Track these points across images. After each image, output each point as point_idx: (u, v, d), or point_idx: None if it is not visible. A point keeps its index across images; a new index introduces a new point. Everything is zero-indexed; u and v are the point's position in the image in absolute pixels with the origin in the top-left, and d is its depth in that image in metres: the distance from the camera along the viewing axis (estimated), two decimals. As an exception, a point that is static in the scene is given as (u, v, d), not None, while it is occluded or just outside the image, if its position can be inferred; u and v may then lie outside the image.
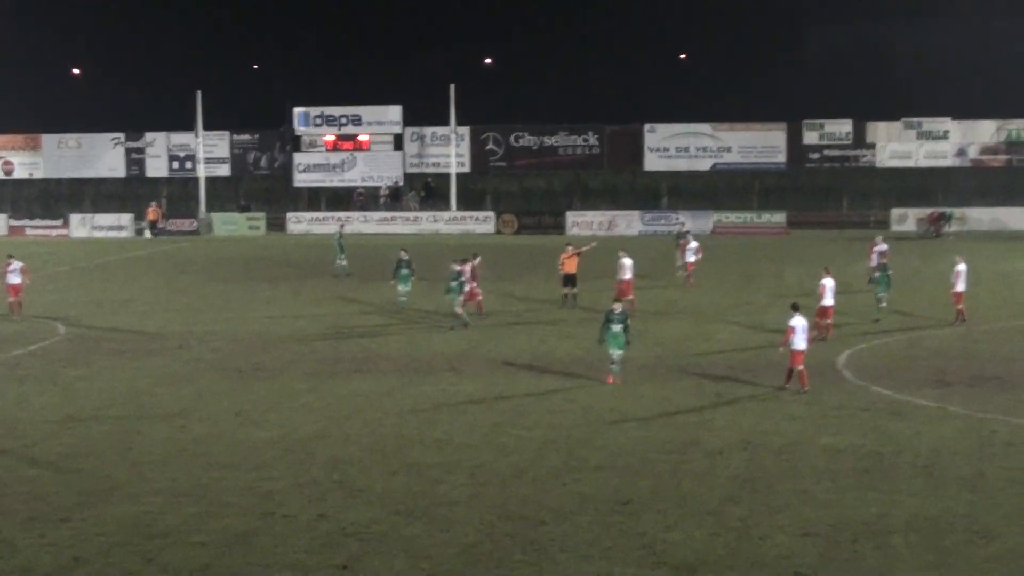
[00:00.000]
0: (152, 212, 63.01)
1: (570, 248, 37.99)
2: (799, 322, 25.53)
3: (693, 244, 41.91)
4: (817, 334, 30.27)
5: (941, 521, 17.48)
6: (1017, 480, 19.44)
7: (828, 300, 31.83)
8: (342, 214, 61.47)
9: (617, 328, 26.24)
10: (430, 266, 41.83)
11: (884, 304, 34.76)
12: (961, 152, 61.86)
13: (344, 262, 43.49)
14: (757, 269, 48.73)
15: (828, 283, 31.99)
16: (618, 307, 27.24)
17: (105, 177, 68.02)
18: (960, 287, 33.70)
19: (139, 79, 79.99)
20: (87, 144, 67.77)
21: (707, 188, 65.08)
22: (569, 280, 37.01)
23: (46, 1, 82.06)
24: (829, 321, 31.74)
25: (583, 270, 38.69)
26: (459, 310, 33.62)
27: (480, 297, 35.86)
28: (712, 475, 20.07)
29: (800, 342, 25.48)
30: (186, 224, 63.60)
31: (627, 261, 36.52)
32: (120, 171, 67.69)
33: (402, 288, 36.97)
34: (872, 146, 62.49)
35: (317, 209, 65.31)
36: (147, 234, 62.76)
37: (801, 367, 25.40)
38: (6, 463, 21.20)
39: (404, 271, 37.04)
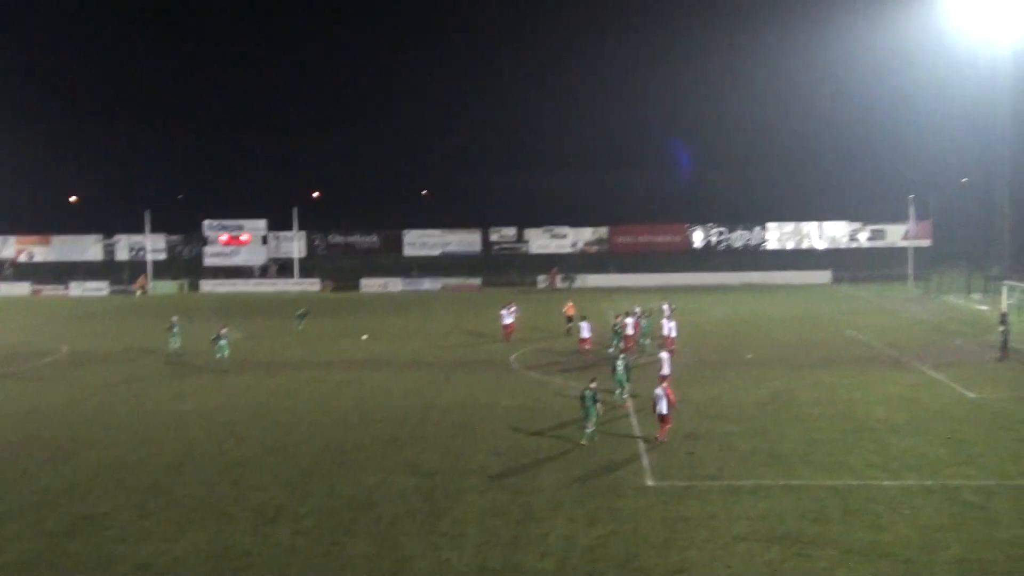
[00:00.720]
0: (141, 281, 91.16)
1: (570, 302, 57.07)
2: (659, 392, 29.65)
3: (513, 308, 54.04)
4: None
5: (564, 443, 31.74)
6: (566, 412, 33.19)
7: (585, 333, 46.71)
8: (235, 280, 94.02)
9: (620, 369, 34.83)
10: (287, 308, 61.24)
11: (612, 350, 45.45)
12: (574, 244, 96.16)
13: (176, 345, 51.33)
14: (470, 307, 65.20)
15: (584, 325, 47.09)
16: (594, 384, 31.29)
17: (90, 260, 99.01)
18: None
19: (110, 202, 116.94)
20: (79, 241, 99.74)
21: (440, 264, 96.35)
22: (569, 319, 53.86)
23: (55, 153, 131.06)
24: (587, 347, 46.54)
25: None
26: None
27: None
28: (443, 423, 32.52)
29: (662, 406, 29.46)
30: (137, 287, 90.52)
31: (584, 325, 48.31)
32: (99, 256, 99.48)
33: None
34: (527, 241, 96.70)
35: (218, 278, 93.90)
36: (138, 294, 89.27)
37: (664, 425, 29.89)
38: (32, 428, 32.65)
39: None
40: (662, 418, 29.64)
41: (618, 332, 46.14)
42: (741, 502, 23.39)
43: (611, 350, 44.75)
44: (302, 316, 58.73)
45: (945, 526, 21.66)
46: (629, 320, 46.42)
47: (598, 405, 30.10)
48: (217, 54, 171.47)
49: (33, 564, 20.13)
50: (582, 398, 30.22)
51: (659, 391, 29.76)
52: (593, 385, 30.35)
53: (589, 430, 29.80)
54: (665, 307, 51.36)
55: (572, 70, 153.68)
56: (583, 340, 47.04)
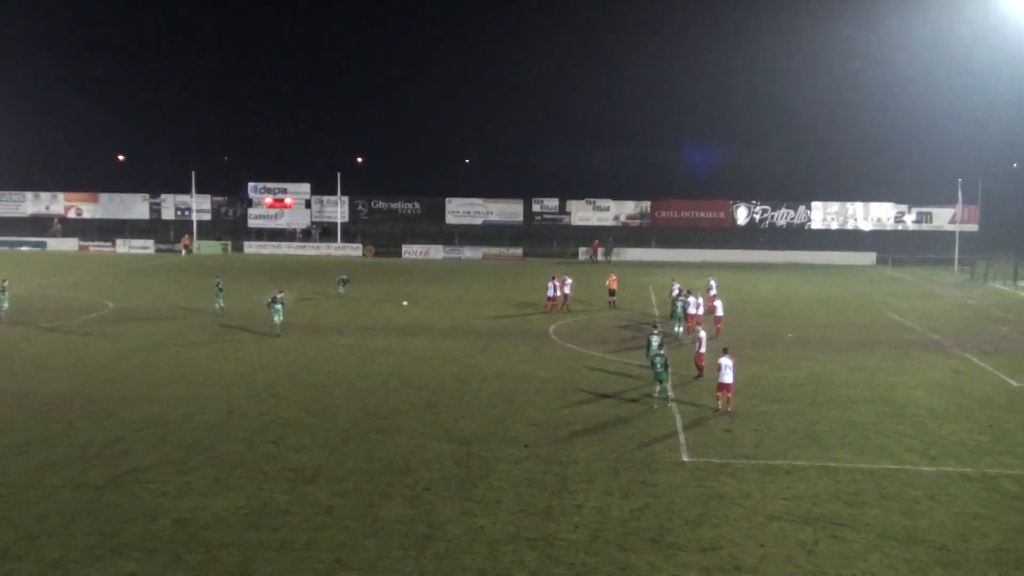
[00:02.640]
0: (186, 240, 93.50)
1: (613, 275, 56.85)
2: (726, 361, 30.14)
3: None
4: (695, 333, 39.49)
5: (601, 416, 31.85)
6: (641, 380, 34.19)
7: (692, 309, 44.06)
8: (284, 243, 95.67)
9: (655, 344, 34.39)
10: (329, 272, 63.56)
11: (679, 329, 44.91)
12: (616, 217, 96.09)
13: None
14: (511, 277, 67.79)
15: (692, 300, 44.74)
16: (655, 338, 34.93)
17: (137, 218, 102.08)
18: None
19: (157, 162, 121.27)
20: (126, 199, 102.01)
21: (482, 233, 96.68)
22: (612, 292, 54.34)
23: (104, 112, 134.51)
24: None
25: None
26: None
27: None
28: (480, 392, 32.76)
29: (727, 376, 29.97)
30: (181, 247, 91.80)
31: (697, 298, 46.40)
32: (145, 215, 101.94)
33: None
34: (569, 213, 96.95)
35: (261, 240, 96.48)
36: (183, 253, 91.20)
37: (728, 394, 30.18)
38: (77, 382, 33.18)
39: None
40: (723, 387, 30.01)
41: (679, 308, 45.23)
42: (776, 482, 23.27)
43: (678, 329, 44.37)
44: (343, 282, 59.23)
45: (982, 515, 21.41)
46: (692, 299, 45.24)
47: (668, 370, 32.17)
48: (265, 19, 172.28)
49: (75, 516, 20.46)
50: (652, 363, 31.90)
51: (725, 360, 30.12)
52: (656, 333, 33.46)
53: (659, 394, 31.34)
54: (712, 283, 51.04)
55: (619, 43, 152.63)
56: (691, 317, 44.07)
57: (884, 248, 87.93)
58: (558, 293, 52.56)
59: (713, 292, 49.14)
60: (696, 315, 44.09)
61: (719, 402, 30.19)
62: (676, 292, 48.01)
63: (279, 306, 43.67)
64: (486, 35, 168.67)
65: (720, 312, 45.04)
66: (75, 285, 62.49)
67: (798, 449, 26.13)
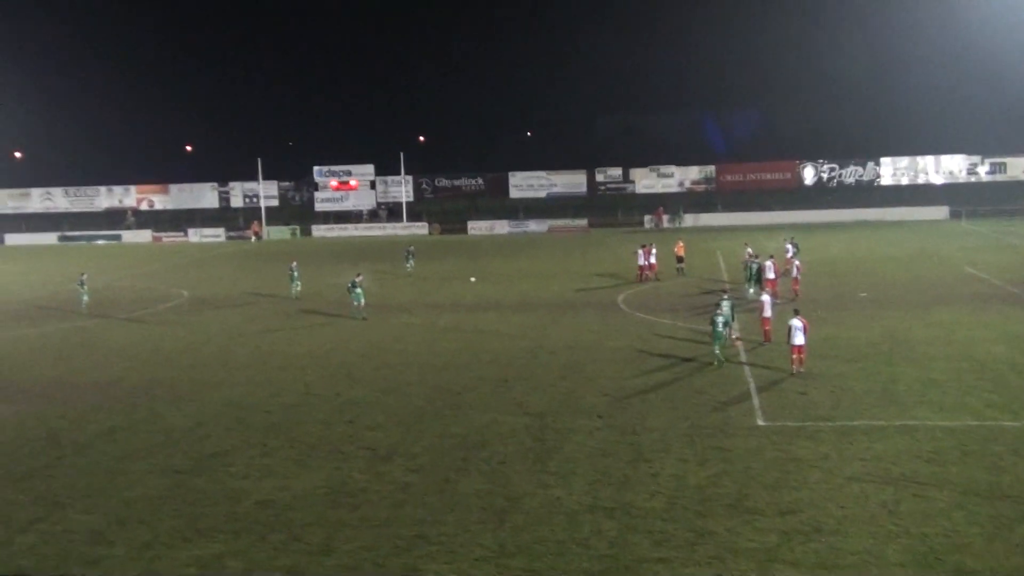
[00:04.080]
0: (255, 227, 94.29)
1: (680, 242, 56.19)
2: (796, 323, 29.87)
3: (788, 247, 50.51)
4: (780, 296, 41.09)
5: (673, 384, 31.42)
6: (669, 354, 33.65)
7: (770, 274, 43.31)
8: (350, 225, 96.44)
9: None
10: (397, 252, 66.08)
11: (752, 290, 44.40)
12: (681, 184, 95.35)
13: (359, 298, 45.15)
14: (577, 248, 68.49)
15: (769, 264, 43.93)
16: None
17: (207, 207, 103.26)
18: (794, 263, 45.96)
19: (224, 151, 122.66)
20: (195, 189, 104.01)
21: (546, 206, 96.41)
22: (680, 260, 53.99)
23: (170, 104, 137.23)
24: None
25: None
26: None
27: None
28: (551, 364, 32.78)
29: (798, 339, 29.70)
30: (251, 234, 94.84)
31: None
32: (215, 204, 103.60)
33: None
34: (633, 182, 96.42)
35: (329, 223, 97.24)
36: (253, 240, 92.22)
37: (799, 356, 29.84)
38: (156, 371, 33.95)
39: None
40: (796, 348, 29.72)
41: (751, 271, 44.79)
42: (854, 443, 22.94)
43: (751, 291, 43.92)
44: (409, 255, 59.43)
45: (1069, 468, 20.98)
46: (770, 262, 44.53)
47: (727, 329, 32.60)
48: (325, 3, 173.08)
49: (162, 500, 20.95)
50: (712, 322, 31.99)
51: (796, 321, 29.84)
52: (726, 299, 33.87)
53: (717, 351, 31.52)
54: (789, 246, 50.25)
55: (678, 6, 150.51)
56: (770, 281, 43.41)
57: (957, 201, 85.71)
58: (649, 260, 52.26)
59: (790, 254, 48.42)
60: (774, 279, 43.63)
61: (793, 365, 29.85)
62: (748, 255, 47.52)
63: (359, 290, 43.58)
64: (543, 5, 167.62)
65: (796, 274, 44.48)
66: (150, 276, 63.76)
67: (876, 409, 25.73)
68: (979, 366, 30.06)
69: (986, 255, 57.40)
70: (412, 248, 61.28)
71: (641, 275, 51.67)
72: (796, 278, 44.27)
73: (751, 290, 44.08)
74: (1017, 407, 25.46)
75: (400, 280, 55.95)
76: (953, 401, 26.26)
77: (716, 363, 31.47)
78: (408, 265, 58.59)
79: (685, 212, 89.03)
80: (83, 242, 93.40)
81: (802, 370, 29.65)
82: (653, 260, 52.37)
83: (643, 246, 53.25)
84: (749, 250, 48.87)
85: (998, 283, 46.43)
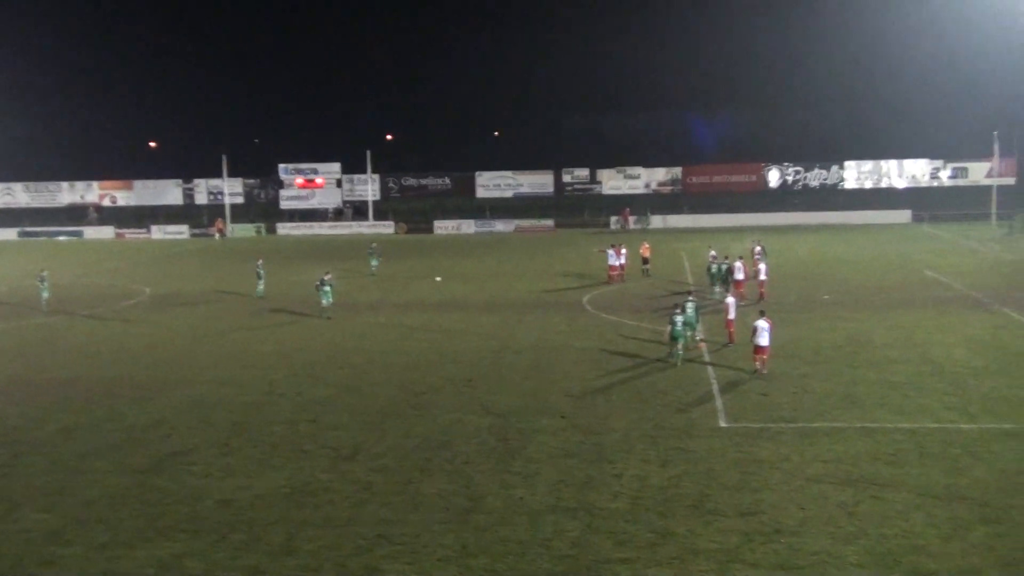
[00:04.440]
0: (220, 224, 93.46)
1: (646, 243, 56.27)
2: (762, 324, 30.22)
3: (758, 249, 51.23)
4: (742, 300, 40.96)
5: (637, 384, 31.33)
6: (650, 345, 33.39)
7: (739, 275, 43.71)
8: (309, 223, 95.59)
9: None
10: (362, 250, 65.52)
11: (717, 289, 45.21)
12: (647, 185, 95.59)
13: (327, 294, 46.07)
14: (543, 248, 68.97)
15: (738, 264, 44.27)
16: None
17: (171, 204, 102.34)
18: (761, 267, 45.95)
19: (188, 147, 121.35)
20: (159, 186, 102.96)
21: (512, 206, 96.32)
22: (645, 261, 54.13)
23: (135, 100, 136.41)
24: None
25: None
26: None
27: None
28: (516, 364, 32.76)
29: (763, 339, 29.99)
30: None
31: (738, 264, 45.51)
32: (179, 201, 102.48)
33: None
34: (599, 182, 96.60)
35: (295, 221, 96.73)
36: (217, 237, 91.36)
37: (763, 357, 30.15)
38: (118, 368, 33.65)
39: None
40: (759, 349, 30.05)
41: (715, 273, 45.42)
42: (815, 444, 23.15)
43: (716, 292, 44.32)
44: (374, 253, 59.28)
45: (1025, 470, 21.32)
46: (739, 263, 44.84)
47: (688, 329, 32.91)
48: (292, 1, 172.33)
49: (121, 499, 20.77)
50: (671, 322, 32.21)
51: (761, 322, 30.16)
52: (690, 300, 34.38)
53: (678, 351, 32.13)
54: (757, 248, 50.58)
55: (644, 6, 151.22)
56: (738, 283, 43.84)
57: (920, 205, 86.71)
58: (621, 261, 52.31)
59: (758, 256, 48.78)
60: (742, 280, 44.03)
61: (756, 364, 30.17)
62: (712, 258, 47.98)
63: (327, 288, 43.28)
64: (511, 6, 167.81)
65: (764, 276, 44.84)
66: (113, 272, 63.25)
67: (837, 411, 25.99)
68: (938, 369, 30.43)
69: (947, 259, 58.09)
70: (375, 246, 61.32)
71: (612, 275, 51.90)
72: (763, 280, 44.63)
73: (716, 291, 44.46)
74: (974, 410, 25.81)
75: (365, 279, 55.74)
76: (912, 403, 26.54)
77: (676, 362, 31.73)
78: (372, 264, 58.54)
79: (652, 213, 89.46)
80: (44, 238, 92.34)
81: (764, 371, 29.92)
82: (624, 260, 52.53)
83: (612, 246, 53.37)
84: (712, 252, 49.31)
85: (958, 287, 46.98)
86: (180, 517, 19.63)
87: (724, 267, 44.99)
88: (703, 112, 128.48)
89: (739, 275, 44.04)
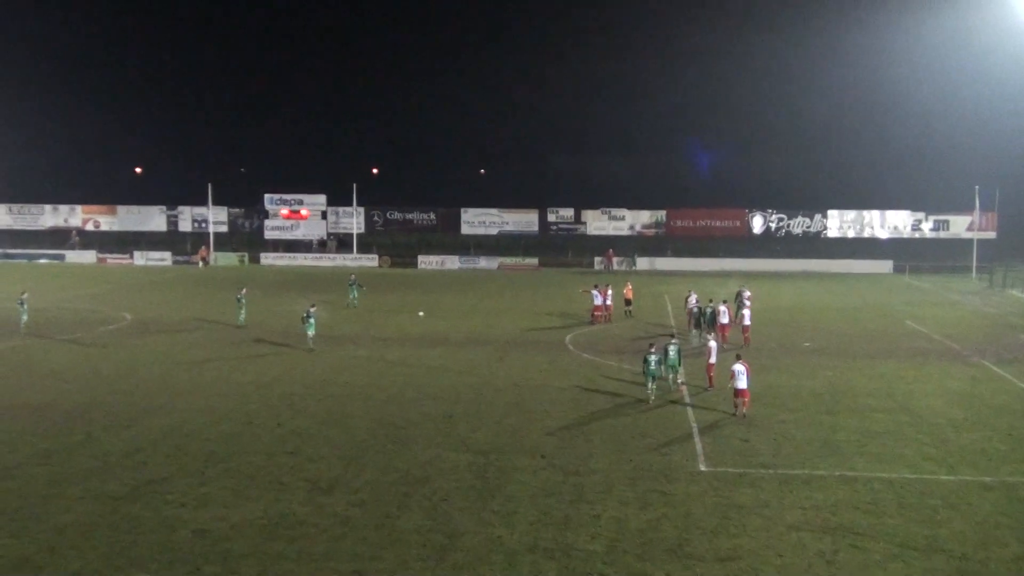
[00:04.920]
0: (203, 252, 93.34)
1: (629, 284, 56.69)
2: (739, 368, 30.62)
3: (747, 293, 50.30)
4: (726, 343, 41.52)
5: (618, 425, 31.20)
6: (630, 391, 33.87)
7: (724, 319, 43.65)
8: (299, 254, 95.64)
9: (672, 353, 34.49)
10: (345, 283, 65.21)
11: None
12: (632, 227, 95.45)
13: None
14: (526, 286, 69.22)
15: (723, 308, 44.28)
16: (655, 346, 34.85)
17: (154, 230, 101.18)
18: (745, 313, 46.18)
19: (174, 174, 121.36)
20: (143, 212, 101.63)
21: (497, 243, 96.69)
22: (628, 302, 54.45)
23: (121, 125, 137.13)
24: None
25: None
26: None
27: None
28: (496, 402, 32.67)
29: (741, 382, 30.36)
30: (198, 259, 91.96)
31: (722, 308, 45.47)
32: (163, 227, 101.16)
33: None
34: (584, 223, 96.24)
35: (279, 251, 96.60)
36: (200, 265, 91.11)
37: (743, 399, 30.46)
38: (96, 394, 33.34)
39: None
40: (739, 392, 30.30)
41: (699, 316, 45.22)
42: (795, 491, 23.16)
43: (696, 337, 44.28)
44: (355, 284, 59.23)
45: (1003, 523, 21.25)
46: (723, 307, 44.94)
47: (662, 368, 33.51)
48: (280, 31, 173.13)
49: (94, 527, 20.53)
50: (645, 360, 32.93)
51: (739, 366, 30.48)
52: (673, 343, 34.82)
53: (649, 389, 32.90)
54: (746, 292, 50.47)
55: (632, 52, 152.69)
56: (723, 326, 43.86)
57: (901, 256, 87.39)
58: (606, 302, 52.02)
59: (747, 300, 48.72)
60: (727, 324, 44.11)
61: (736, 408, 30.32)
62: (693, 302, 47.97)
63: (312, 320, 43.21)
64: (499, 45, 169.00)
65: (747, 321, 44.96)
66: (93, 297, 62.81)
67: (816, 458, 26.01)
68: (917, 419, 30.51)
69: (928, 310, 58.41)
70: (354, 277, 61.34)
71: (596, 316, 51.70)
72: (746, 326, 44.76)
73: (696, 335, 44.51)
74: (953, 461, 25.89)
75: (347, 311, 55.66)
76: (892, 453, 26.61)
77: (650, 397, 32.46)
78: (351, 296, 58.53)
79: (638, 255, 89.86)
80: (24, 260, 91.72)
81: (745, 412, 30.10)
82: (609, 301, 52.36)
83: (596, 286, 53.27)
84: (693, 297, 49.19)
85: (938, 338, 47.24)
86: (154, 547, 19.42)
87: (709, 311, 44.98)
88: (689, 157, 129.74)
89: (723, 319, 44.09)
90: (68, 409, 31.05)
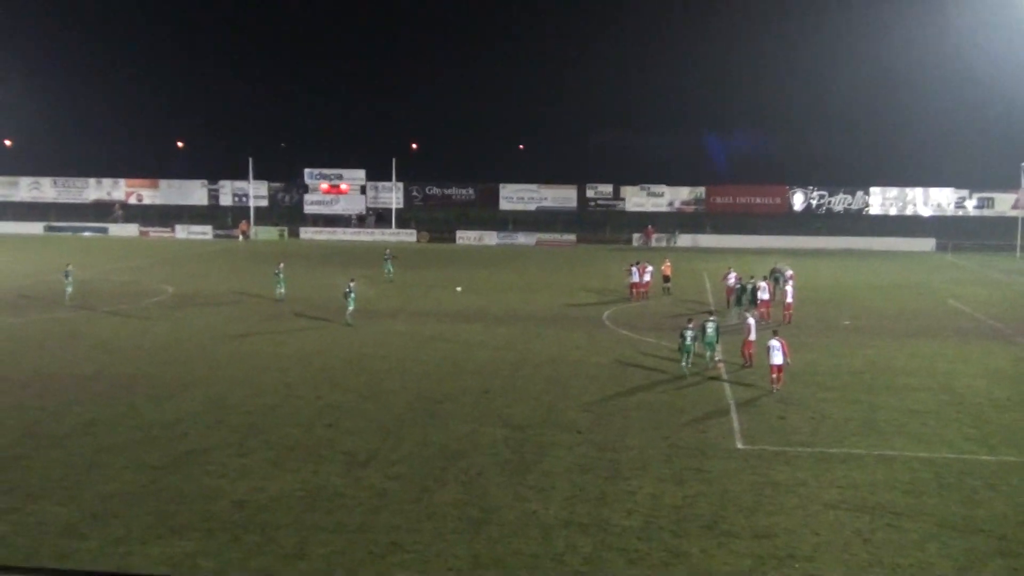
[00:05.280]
0: (243, 226, 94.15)
1: (668, 261, 56.33)
2: (775, 343, 30.70)
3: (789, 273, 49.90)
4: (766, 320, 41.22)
5: (655, 402, 31.82)
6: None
7: (764, 295, 44.02)
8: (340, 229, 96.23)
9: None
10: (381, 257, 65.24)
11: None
12: (671, 203, 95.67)
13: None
14: (564, 263, 69.11)
15: (764, 284, 44.57)
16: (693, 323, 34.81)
17: (195, 204, 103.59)
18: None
19: (215, 149, 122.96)
20: (185, 186, 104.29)
21: (535, 219, 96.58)
22: (667, 279, 54.08)
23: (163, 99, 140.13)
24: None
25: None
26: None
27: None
28: (534, 377, 32.83)
29: (776, 358, 30.47)
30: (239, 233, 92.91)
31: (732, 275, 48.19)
32: (204, 201, 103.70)
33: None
34: (623, 199, 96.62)
35: (318, 226, 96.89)
36: (240, 239, 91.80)
37: (778, 375, 30.59)
38: (139, 365, 33.88)
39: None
40: (776, 368, 30.47)
41: (740, 292, 45.42)
42: (832, 470, 23.03)
43: (735, 314, 44.15)
44: (390, 258, 59.69)
45: (1044, 504, 21.12)
46: (764, 283, 45.13)
47: (697, 344, 33.60)
48: (321, 4, 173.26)
49: (137, 496, 20.86)
50: (681, 335, 33.34)
51: (774, 341, 30.64)
52: (711, 320, 34.85)
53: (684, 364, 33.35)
54: (788, 272, 50.20)
55: (675, 26, 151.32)
56: (764, 302, 44.17)
57: (944, 234, 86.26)
58: (643, 278, 51.76)
59: (789, 278, 48.41)
60: (768, 301, 44.16)
61: (773, 384, 30.37)
62: (733, 280, 47.83)
63: (353, 295, 43.35)
64: (541, 20, 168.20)
65: (790, 299, 44.55)
66: (136, 270, 63.61)
67: (855, 437, 25.83)
68: (959, 399, 30.21)
69: (970, 289, 57.72)
70: (389, 252, 61.78)
71: (634, 292, 51.51)
72: (789, 303, 44.35)
73: (736, 312, 44.31)
74: (994, 442, 25.62)
75: (385, 286, 55.89)
76: (932, 433, 26.38)
77: (686, 373, 32.86)
78: (387, 271, 58.85)
79: (670, 232, 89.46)
80: (69, 233, 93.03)
81: (778, 388, 30.18)
82: (648, 278, 52.08)
83: (637, 263, 53.15)
84: (732, 275, 48.86)
85: (981, 317, 46.69)
86: (194, 516, 19.70)
87: (750, 287, 45.00)
88: (726, 133, 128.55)
89: (764, 295, 44.09)
90: (112, 380, 31.52)
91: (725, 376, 32.88)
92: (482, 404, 28.95)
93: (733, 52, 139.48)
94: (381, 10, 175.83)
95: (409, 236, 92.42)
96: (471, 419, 27.19)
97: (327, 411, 27.97)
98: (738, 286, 46.34)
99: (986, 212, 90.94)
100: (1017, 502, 21.07)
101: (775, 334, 31.39)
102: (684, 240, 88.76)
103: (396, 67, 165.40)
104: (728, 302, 46.94)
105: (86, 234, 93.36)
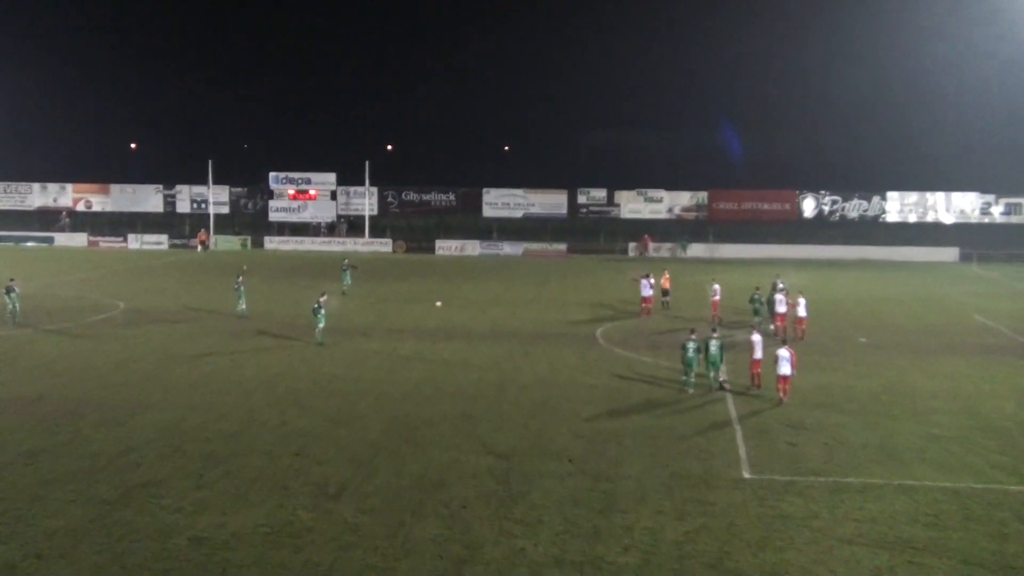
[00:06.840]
0: (202, 235, 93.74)
1: (667, 272, 56.31)
2: (783, 353, 31.94)
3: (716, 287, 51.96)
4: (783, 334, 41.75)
5: (653, 427, 31.51)
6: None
7: (803, 312, 44.45)
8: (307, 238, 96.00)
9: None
10: (358, 274, 65.47)
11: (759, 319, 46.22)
12: (670, 210, 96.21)
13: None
14: (554, 275, 69.39)
15: (803, 301, 44.72)
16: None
17: (150, 211, 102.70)
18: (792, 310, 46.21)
19: (172, 150, 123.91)
20: (139, 191, 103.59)
21: (521, 227, 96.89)
22: (665, 292, 54.19)
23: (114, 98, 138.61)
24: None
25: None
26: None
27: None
28: (520, 401, 32.78)
29: (784, 368, 31.75)
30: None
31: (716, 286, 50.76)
32: (159, 208, 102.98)
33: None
34: (618, 205, 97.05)
35: (284, 235, 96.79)
36: (199, 249, 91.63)
37: (785, 386, 31.82)
38: (86, 388, 33.62)
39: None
40: (783, 378, 31.51)
41: (758, 306, 46.35)
42: (848, 501, 23.03)
43: (759, 323, 44.48)
44: (349, 268, 59.89)
45: (1079, 538, 21.15)
46: (781, 295, 45.65)
47: (701, 355, 34.14)
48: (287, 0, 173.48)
49: (84, 532, 20.72)
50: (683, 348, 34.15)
51: (783, 351, 31.57)
52: (715, 337, 34.75)
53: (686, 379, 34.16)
54: (781, 283, 50.06)
55: (674, 19, 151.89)
56: (780, 315, 45.00)
57: (968, 243, 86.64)
58: (652, 292, 51.86)
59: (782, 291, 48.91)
60: (783, 313, 44.88)
61: (780, 395, 31.58)
62: (718, 294, 50.05)
63: (323, 311, 43.32)
64: (525, 11, 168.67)
65: (802, 313, 44.70)
66: (84, 283, 63.38)
67: (872, 465, 25.86)
68: (985, 423, 30.29)
69: (997, 303, 58.02)
70: (348, 261, 62.06)
71: (646, 308, 51.09)
72: (801, 317, 44.53)
73: (758, 323, 44.57)
74: (1024, 469, 25.77)
75: (358, 301, 55.84)
76: (956, 460, 26.42)
77: (690, 390, 33.58)
78: (345, 282, 59.19)
79: (678, 241, 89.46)
80: (11, 243, 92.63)
81: (786, 400, 31.21)
82: (651, 292, 51.91)
83: (648, 274, 53.01)
84: (716, 287, 50.65)
85: (1009, 333, 46.93)
86: (148, 555, 19.56)
87: (767, 299, 46.11)
88: (728, 132, 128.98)
89: (781, 307, 44.80)
90: (56, 405, 31.30)
91: (730, 398, 32.88)
92: (464, 430, 28.87)
93: (739, 44, 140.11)
94: (352, 3, 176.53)
95: (384, 246, 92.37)
96: (452, 446, 27.11)
97: (294, 438, 27.84)
98: (756, 297, 47.06)
99: (1014, 219, 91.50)
100: (1049, 536, 21.16)
101: (783, 343, 32.34)
102: (701, 250, 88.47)
103: (370, 62, 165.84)
104: (713, 318, 47.46)
105: (29, 244, 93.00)
